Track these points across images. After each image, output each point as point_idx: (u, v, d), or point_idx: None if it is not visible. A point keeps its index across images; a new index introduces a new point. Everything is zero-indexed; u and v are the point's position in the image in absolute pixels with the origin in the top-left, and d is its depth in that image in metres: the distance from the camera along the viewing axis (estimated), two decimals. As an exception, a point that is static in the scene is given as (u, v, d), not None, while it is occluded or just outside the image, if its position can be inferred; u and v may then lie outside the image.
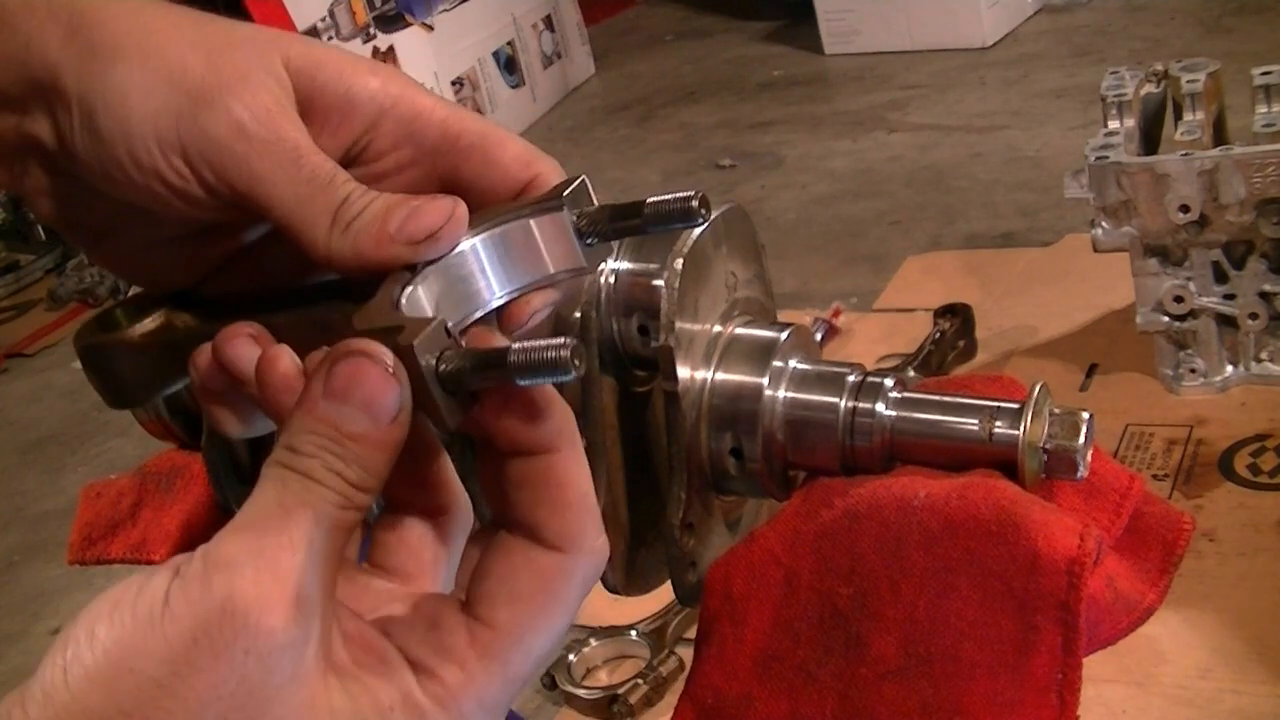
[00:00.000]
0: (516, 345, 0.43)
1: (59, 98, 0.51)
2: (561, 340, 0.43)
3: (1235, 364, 1.50)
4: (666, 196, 0.49)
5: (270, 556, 0.42)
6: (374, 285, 0.48)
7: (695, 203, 0.49)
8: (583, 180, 0.51)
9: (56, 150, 0.52)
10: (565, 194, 0.50)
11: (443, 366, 0.44)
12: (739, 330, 0.62)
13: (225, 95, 0.50)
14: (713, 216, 0.60)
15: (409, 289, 0.48)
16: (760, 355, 0.60)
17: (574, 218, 0.50)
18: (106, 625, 0.41)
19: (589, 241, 0.50)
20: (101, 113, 0.50)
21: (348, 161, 0.53)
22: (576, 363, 0.43)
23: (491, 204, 0.53)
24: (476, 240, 0.50)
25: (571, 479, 0.46)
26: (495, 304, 0.50)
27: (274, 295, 0.54)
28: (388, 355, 0.44)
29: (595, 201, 0.51)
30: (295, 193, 0.50)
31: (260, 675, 0.41)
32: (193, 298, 0.56)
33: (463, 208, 0.49)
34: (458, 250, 0.49)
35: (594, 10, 3.55)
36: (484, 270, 0.50)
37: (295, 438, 0.43)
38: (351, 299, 0.48)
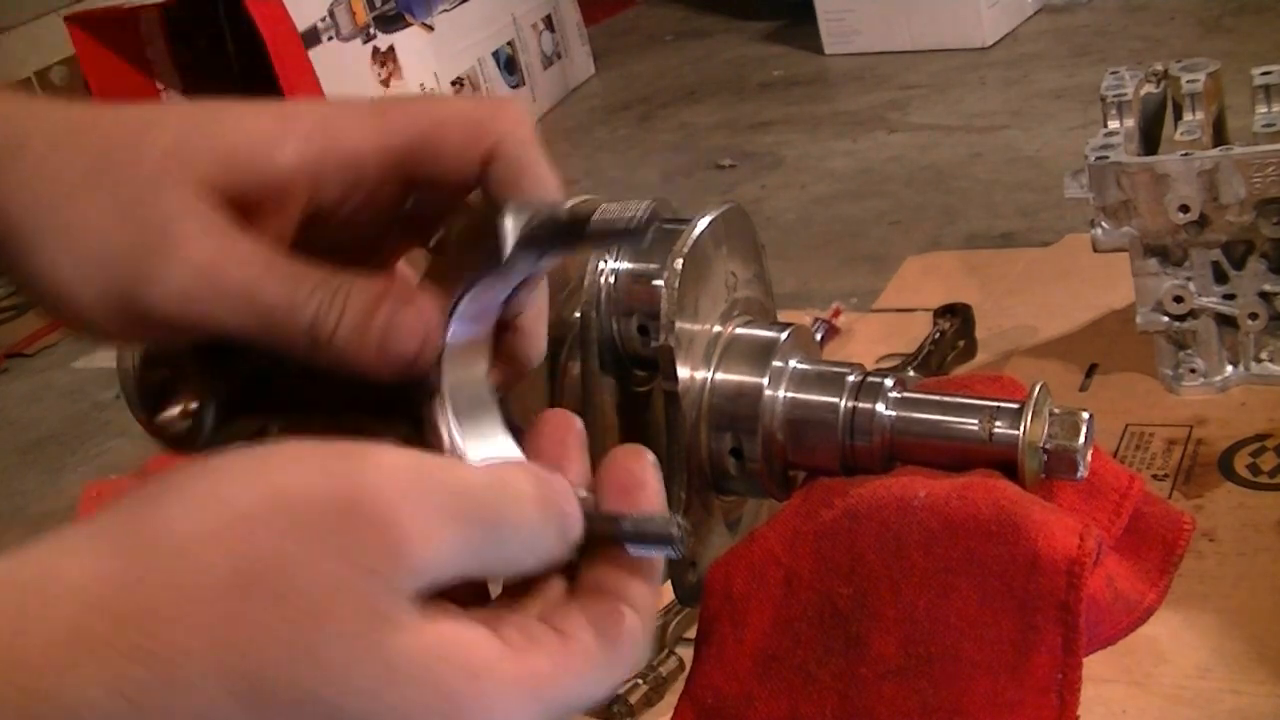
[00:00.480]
0: (627, 524, 0.46)
1: None
2: (668, 517, 0.46)
3: (1235, 364, 1.50)
4: (612, 213, 0.48)
5: (425, 488, 0.41)
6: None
7: (641, 220, 0.47)
8: (530, 208, 0.49)
9: None
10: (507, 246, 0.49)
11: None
12: (739, 330, 0.62)
13: (154, 268, 0.48)
14: (713, 216, 0.61)
15: (439, 407, 0.49)
16: (760, 355, 0.60)
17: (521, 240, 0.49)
18: (209, 468, 0.40)
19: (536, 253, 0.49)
20: (41, 289, 0.49)
21: (308, 227, 0.51)
22: (682, 549, 0.45)
23: (458, 200, 0.52)
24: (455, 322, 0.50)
25: (650, 603, 0.47)
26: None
27: (289, 386, 0.54)
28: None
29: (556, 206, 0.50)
30: (265, 330, 0.49)
31: (345, 577, 0.39)
32: (211, 372, 0.55)
33: (433, 318, 0.49)
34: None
35: (594, 10, 3.55)
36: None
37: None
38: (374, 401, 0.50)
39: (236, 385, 0.54)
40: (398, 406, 0.50)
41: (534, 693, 0.42)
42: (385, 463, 0.41)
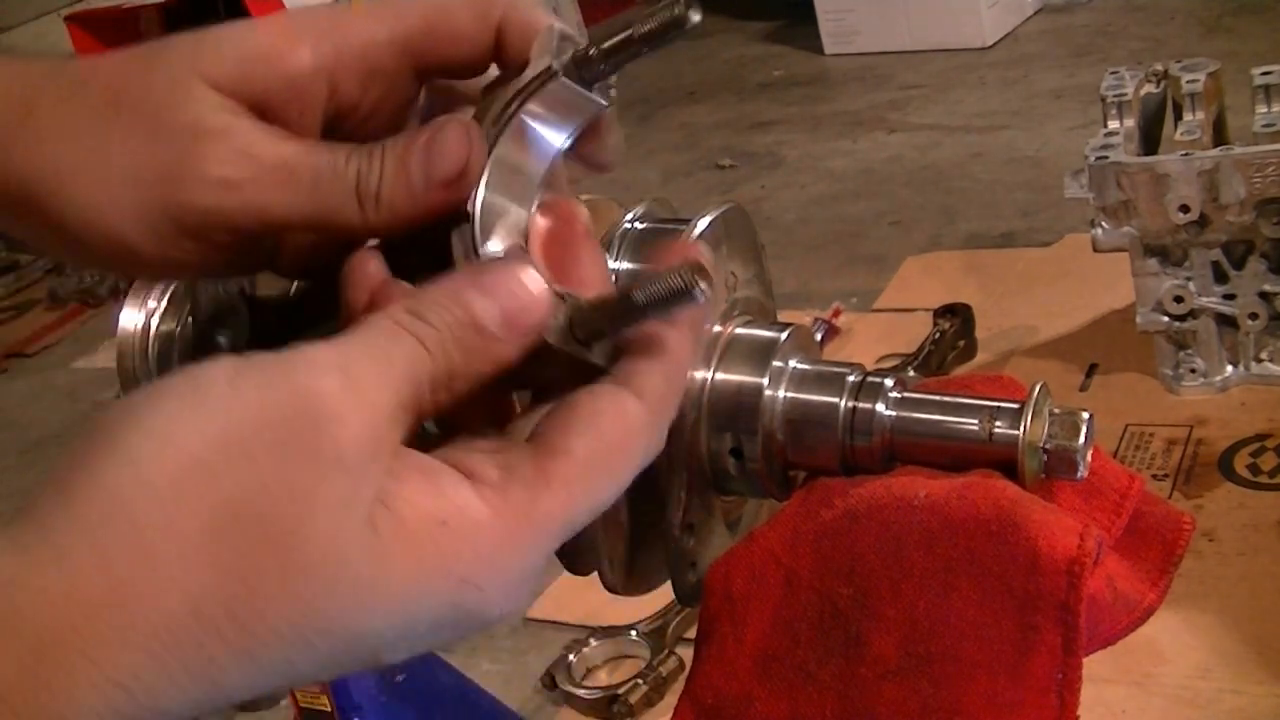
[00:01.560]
0: (638, 293, 0.45)
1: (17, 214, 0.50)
2: (679, 268, 0.44)
3: (1235, 364, 1.50)
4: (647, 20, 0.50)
5: (359, 378, 0.40)
6: (436, 233, 0.48)
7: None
8: (552, 30, 0.50)
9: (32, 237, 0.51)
10: (552, 64, 0.50)
11: (578, 332, 0.45)
12: (739, 330, 0.62)
13: (191, 166, 0.48)
14: (713, 216, 0.61)
15: (476, 234, 0.47)
16: (760, 355, 0.60)
17: (569, 75, 0.50)
18: (148, 408, 0.39)
19: (594, 84, 0.50)
20: (74, 229, 0.49)
21: (329, 129, 0.51)
22: (702, 287, 0.44)
23: (479, 78, 0.52)
24: (499, 148, 0.49)
25: (683, 349, 0.47)
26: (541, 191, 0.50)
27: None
28: (544, 285, 0.44)
29: (580, 41, 0.51)
30: (311, 201, 0.48)
31: (310, 486, 0.38)
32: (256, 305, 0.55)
33: (473, 130, 0.48)
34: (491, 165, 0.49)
35: (593, 10, 3.55)
36: (523, 166, 0.49)
37: (426, 307, 0.42)
38: (422, 255, 0.48)
39: None
40: None
41: (526, 529, 0.42)
42: (316, 359, 0.40)
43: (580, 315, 0.46)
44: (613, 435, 0.44)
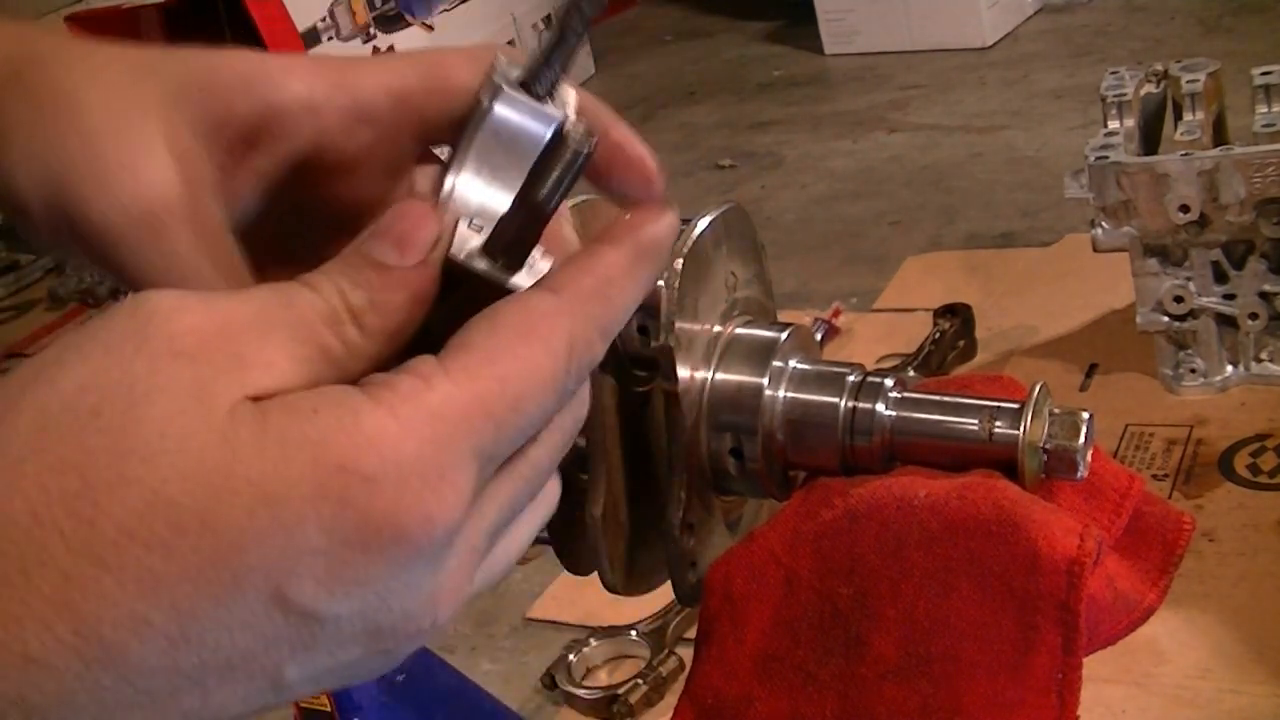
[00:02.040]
0: (536, 184, 0.44)
1: None
2: (569, 135, 0.44)
3: (1235, 364, 1.50)
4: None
5: (206, 296, 0.38)
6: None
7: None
8: (495, 61, 0.47)
9: None
10: (481, 99, 0.46)
11: (494, 248, 0.44)
12: (739, 330, 0.62)
13: (98, 176, 0.47)
14: (713, 216, 0.61)
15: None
16: (760, 355, 0.60)
17: (519, 91, 0.46)
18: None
19: (545, 96, 0.47)
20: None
21: (303, 168, 0.50)
22: (593, 140, 0.43)
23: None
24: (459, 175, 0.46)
25: (615, 252, 0.44)
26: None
27: None
28: (428, 200, 0.43)
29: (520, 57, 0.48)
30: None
31: (144, 373, 0.36)
32: None
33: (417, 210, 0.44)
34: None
35: (594, 10, 3.55)
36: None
37: (319, 270, 0.41)
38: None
39: None
40: None
41: (421, 415, 0.37)
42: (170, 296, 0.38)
43: (495, 231, 0.44)
44: (515, 321, 0.40)
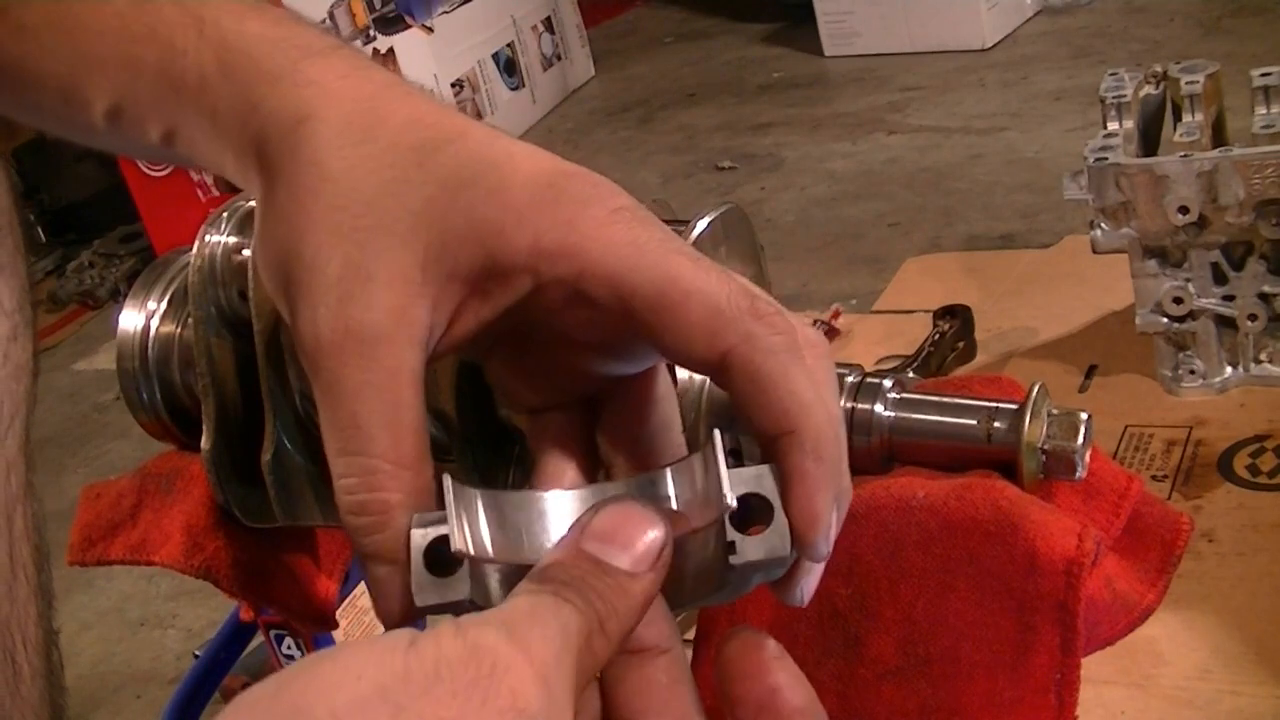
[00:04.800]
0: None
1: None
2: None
3: (1234, 365, 1.50)
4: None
5: (523, 634, 0.39)
6: None
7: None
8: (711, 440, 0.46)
9: None
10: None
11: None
12: (738, 331, 0.62)
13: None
14: (712, 217, 0.61)
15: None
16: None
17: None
18: (334, 649, 0.39)
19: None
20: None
21: (512, 318, 0.49)
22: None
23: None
24: None
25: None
26: None
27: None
28: (651, 507, 0.43)
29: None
30: None
31: None
32: None
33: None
34: None
35: (593, 12, 3.55)
36: None
37: (548, 567, 0.42)
38: None
39: None
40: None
41: None
42: (482, 618, 0.40)
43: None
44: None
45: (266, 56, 0.51)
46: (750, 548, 0.44)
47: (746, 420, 0.46)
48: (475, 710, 0.37)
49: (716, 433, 0.46)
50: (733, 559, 0.44)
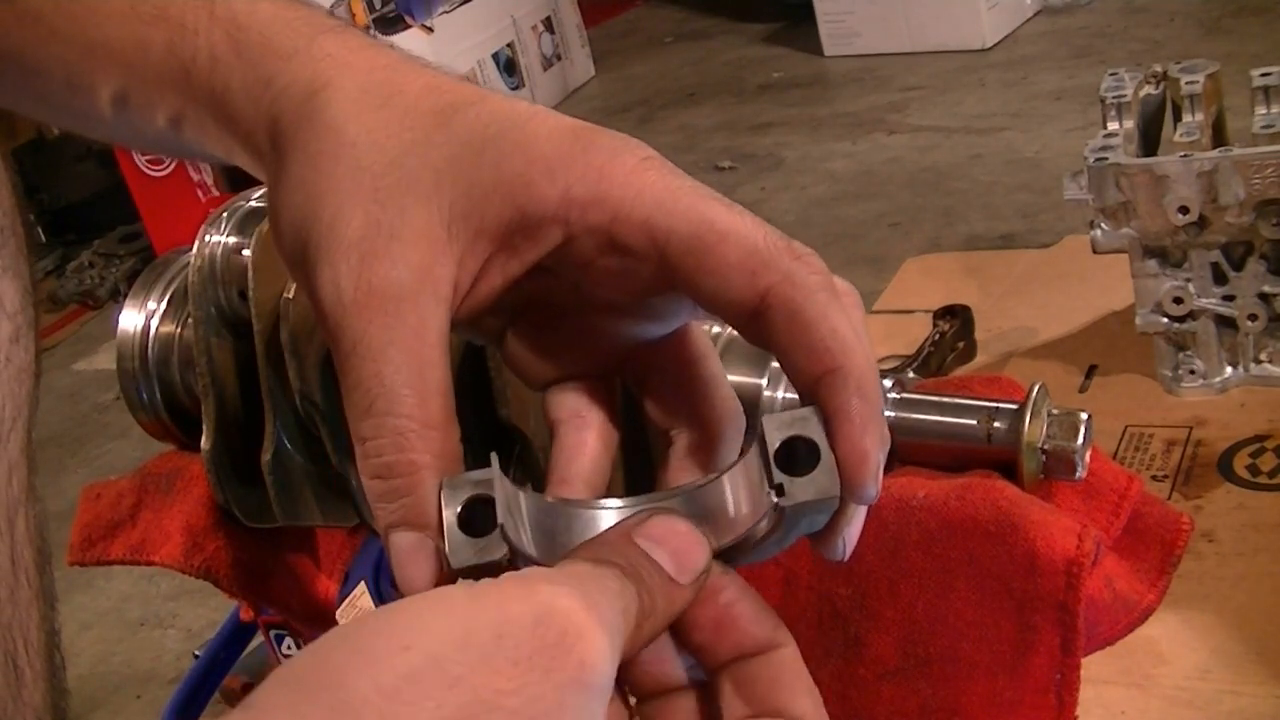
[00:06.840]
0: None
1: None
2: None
3: (1234, 365, 1.50)
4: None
5: (596, 600, 0.37)
6: None
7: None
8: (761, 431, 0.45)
9: None
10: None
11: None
12: (738, 331, 0.62)
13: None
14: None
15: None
16: (759, 356, 0.60)
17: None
18: (387, 613, 0.36)
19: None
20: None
21: (543, 272, 0.48)
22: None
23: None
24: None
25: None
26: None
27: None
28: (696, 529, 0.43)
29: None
30: None
31: (555, 703, 0.35)
32: None
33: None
34: None
35: (593, 12, 3.55)
36: None
37: (601, 545, 0.41)
38: None
39: None
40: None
41: None
42: (554, 577, 0.38)
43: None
44: None
45: (279, 34, 0.50)
46: (799, 489, 0.43)
47: (786, 363, 0.45)
48: (537, 682, 0.35)
49: (765, 421, 0.44)
50: (781, 501, 0.43)
